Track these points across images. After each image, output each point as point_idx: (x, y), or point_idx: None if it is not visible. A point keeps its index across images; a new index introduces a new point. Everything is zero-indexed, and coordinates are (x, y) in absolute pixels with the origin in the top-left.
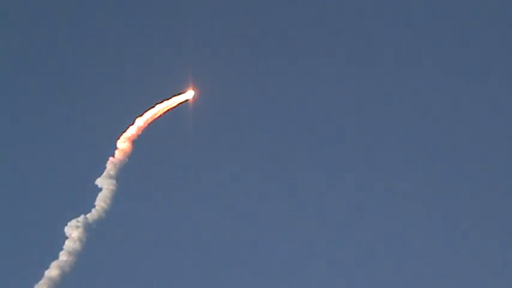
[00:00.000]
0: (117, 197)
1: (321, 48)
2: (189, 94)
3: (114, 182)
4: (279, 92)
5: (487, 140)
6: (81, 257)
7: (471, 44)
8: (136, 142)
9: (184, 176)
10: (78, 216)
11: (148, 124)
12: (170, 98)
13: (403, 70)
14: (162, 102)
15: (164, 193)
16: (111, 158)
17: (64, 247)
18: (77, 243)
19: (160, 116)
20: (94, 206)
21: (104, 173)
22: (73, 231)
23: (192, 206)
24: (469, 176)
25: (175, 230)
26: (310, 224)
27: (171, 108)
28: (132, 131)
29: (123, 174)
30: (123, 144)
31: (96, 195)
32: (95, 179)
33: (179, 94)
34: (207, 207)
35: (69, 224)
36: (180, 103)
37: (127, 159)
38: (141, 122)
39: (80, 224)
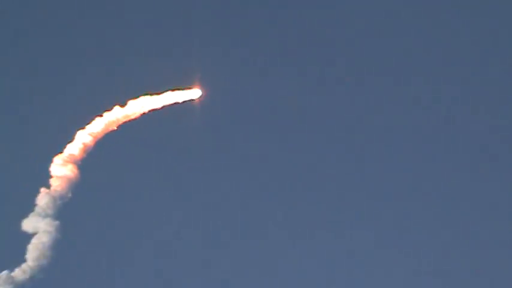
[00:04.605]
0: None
1: (328, 49)
2: (196, 93)
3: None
4: (289, 95)
5: (486, 140)
6: None
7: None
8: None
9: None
10: None
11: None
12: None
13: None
14: (160, 93)
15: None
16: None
17: None
18: None
19: (153, 110)
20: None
21: None
22: None
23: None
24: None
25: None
26: (313, 225)
27: (167, 106)
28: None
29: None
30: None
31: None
32: None
33: (182, 89)
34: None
35: None
36: (183, 102)
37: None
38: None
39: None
